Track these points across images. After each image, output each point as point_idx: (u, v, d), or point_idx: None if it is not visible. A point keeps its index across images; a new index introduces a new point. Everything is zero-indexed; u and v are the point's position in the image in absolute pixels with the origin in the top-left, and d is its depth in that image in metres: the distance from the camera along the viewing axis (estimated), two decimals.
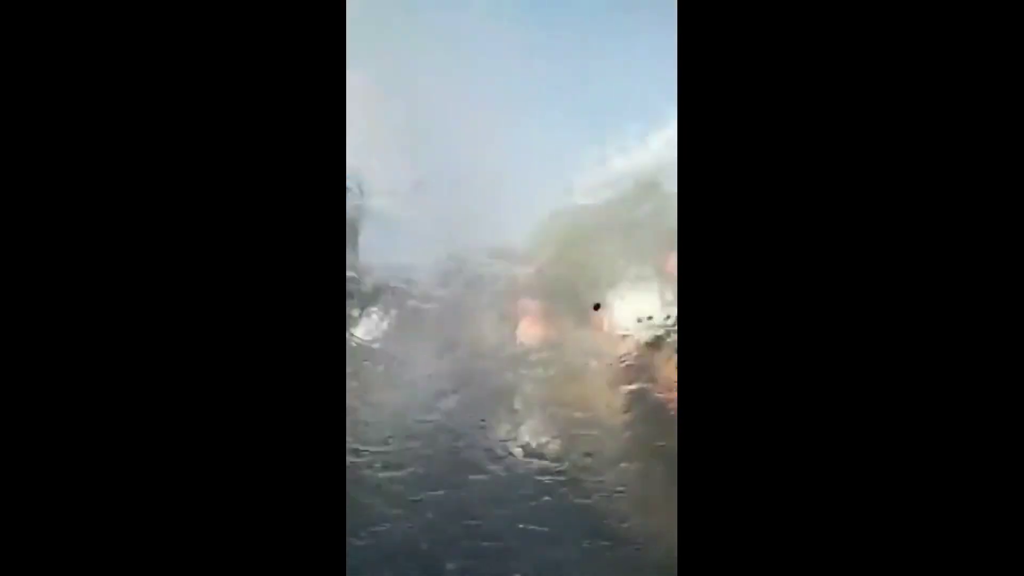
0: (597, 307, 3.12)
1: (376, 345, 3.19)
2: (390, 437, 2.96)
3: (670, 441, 2.96)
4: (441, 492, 2.83)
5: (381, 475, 2.85)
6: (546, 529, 2.71)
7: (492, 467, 2.94)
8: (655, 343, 3.15)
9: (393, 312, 3.17)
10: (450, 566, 2.61)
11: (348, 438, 2.84)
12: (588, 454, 3.02)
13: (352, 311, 3.14)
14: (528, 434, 3.10)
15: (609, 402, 3.17)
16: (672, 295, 3.12)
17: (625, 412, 3.17)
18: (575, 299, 3.25)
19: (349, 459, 2.75)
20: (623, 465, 3.00)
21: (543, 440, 3.09)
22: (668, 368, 3.13)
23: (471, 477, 2.89)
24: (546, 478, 2.91)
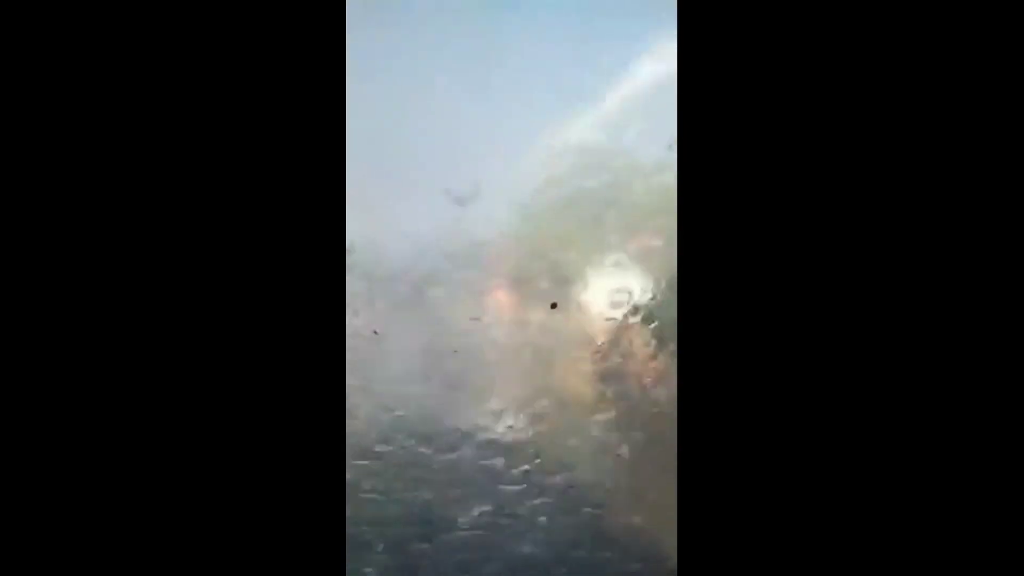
0: (554, 306, 3.11)
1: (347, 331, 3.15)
2: (363, 429, 2.93)
3: (646, 427, 3.00)
4: (414, 481, 2.83)
5: (356, 462, 2.83)
6: (522, 520, 2.73)
7: (465, 455, 2.94)
8: (629, 324, 3.17)
9: (363, 298, 3.13)
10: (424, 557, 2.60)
11: None
12: (563, 440, 3.04)
13: None
14: (501, 421, 3.11)
15: (584, 387, 3.19)
16: (645, 274, 3.15)
17: (600, 398, 3.19)
18: (548, 283, 3.25)
19: None
20: (599, 452, 3.04)
21: (516, 426, 3.10)
22: (642, 350, 3.16)
23: (444, 467, 2.89)
24: (521, 467, 2.93)
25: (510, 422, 3.04)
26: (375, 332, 2.84)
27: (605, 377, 3.08)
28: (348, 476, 2.65)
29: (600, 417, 3.01)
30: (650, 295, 3.02)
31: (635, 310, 3.09)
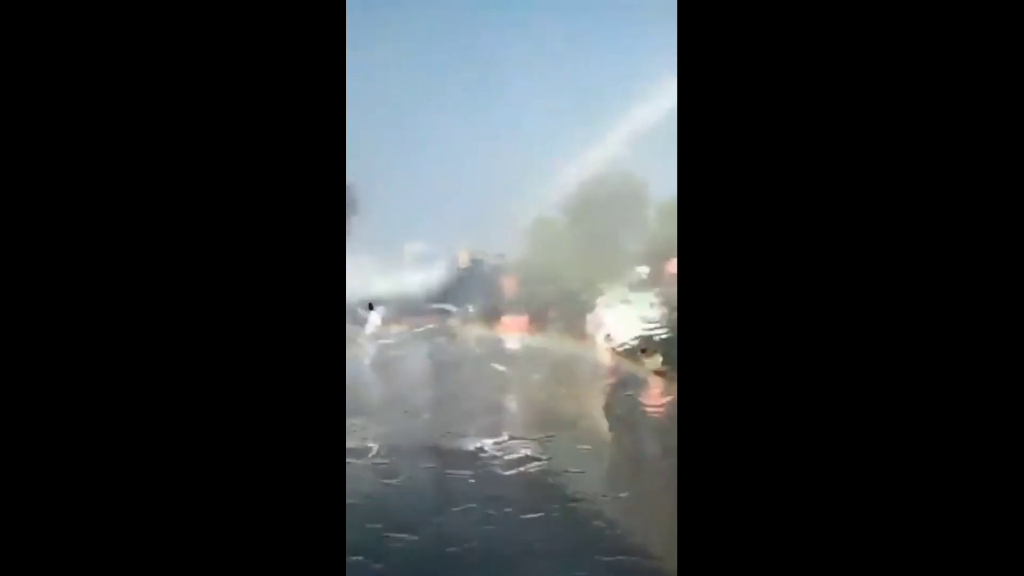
0: (643, 352, 3.03)
1: (364, 352, 3.16)
2: (380, 446, 2.91)
3: (654, 445, 2.94)
4: (429, 497, 2.78)
5: (371, 483, 2.79)
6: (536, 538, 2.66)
7: (477, 470, 2.88)
8: (640, 349, 3.13)
9: (380, 318, 3.14)
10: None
11: None
12: (574, 459, 2.98)
13: None
14: (512, 438, 3.06)
15: (594, 407, 3.15)
16: (659, 300, 3.11)
17: (610, 417, 3.14)
18: (562, 305, 3.23)
19: None
20: (607, 470, 2.98)
21: (526, 443, 3.05)
22: (652, 373, 3.12)
23: (455, 482, 2.84)
24: (530, 480, 2.86)
25: (525, 440, 2.98)
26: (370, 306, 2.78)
27: (616, 398, 3.04)
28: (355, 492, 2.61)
29: (611, 436, 2.96)
30: (661, 321, 2.99)
31: (646, 338, 3.07)
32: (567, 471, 2.88)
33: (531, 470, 2.88)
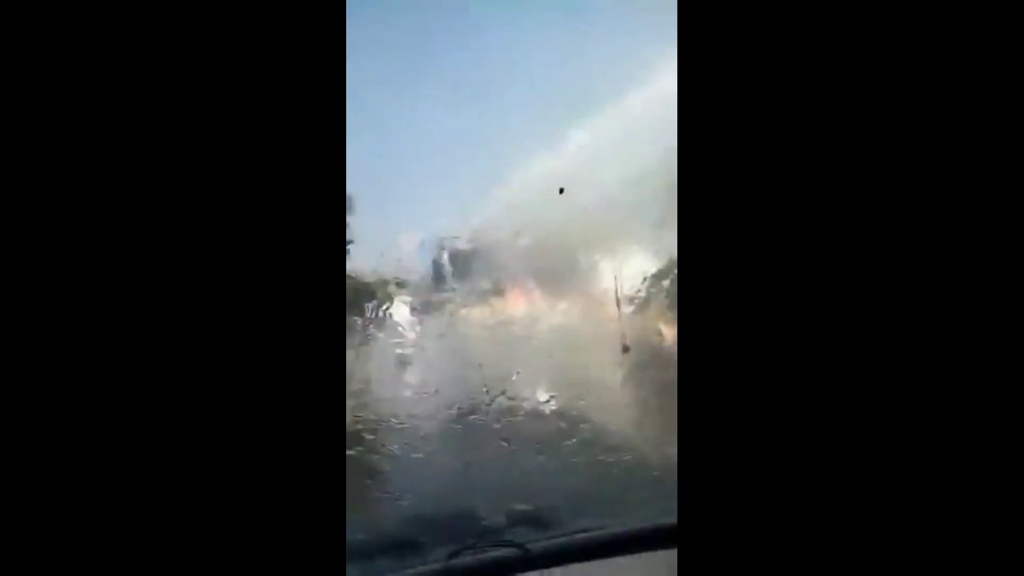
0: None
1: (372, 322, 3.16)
2: (393, 416, 2.94)
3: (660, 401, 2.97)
4: (445, 463, 2.83)
5: (391, 447, 2.84)
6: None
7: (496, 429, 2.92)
8: (642, 302, 3.14)
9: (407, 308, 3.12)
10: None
11: (355, 414, 2.85)
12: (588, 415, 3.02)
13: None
14: (529, 395, 3.08)
15: (604, 362, 3.17)
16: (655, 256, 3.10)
17: (621, 368, 3.16)
18: (564, 268, 3.22)
19: (360, 431, 2.76)
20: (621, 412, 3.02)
21: (543, 399, 3.07)
22: (655, 325, 3.13)
23: (475, 449, 2.88)
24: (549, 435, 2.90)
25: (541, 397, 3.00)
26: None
27: (625, 350, 3.04)
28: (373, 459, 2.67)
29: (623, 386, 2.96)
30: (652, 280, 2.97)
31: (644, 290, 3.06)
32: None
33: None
